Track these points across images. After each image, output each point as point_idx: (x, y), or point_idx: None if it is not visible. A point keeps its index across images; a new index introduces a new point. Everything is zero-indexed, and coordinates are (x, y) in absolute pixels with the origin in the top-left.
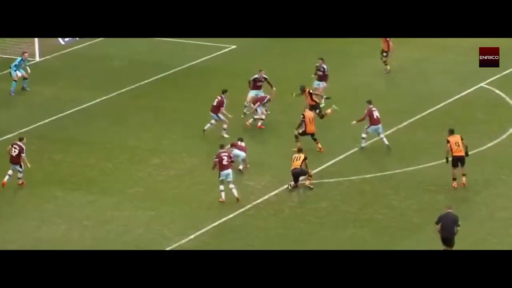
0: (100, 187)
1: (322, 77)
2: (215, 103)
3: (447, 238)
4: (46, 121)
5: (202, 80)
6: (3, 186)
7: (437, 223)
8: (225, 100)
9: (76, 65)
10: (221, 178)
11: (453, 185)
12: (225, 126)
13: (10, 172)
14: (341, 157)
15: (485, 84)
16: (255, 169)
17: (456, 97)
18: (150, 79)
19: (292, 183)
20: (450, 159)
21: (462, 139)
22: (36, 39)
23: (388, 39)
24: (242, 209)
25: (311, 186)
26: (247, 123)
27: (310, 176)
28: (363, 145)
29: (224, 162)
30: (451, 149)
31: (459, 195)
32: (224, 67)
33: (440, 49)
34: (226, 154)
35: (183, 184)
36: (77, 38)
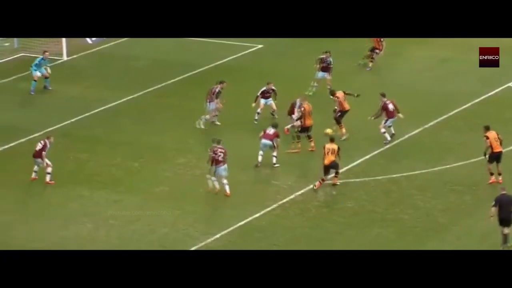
0: (126, 186)
1: (326, 68)
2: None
3: (506, 219)
4: (72, 120)
5: (228, 80)
6: (32, 181)
7: (494, 205)
8: (217, 90)
9: (102, 64)
10: (215, 172)
11: (491, 180)
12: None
13: (35, 168)
14: (367, 157)
15: None
16: (281, 168)
17: (483, 97)
18: (176, 79)
19: (318, 182)
20: (487, 155)
21: (498, 135)
22: (63, 39)
23: (381, 39)
24: (268, 209)
25: (338, 183)
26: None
27: (338, 173)
28: (388, 138)
29: (220, 158)
30: (491, 145)
31: (485, 194)
32: (251, 67)
33: (465, 49)
34: (223, 150)
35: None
36: (104, 38)
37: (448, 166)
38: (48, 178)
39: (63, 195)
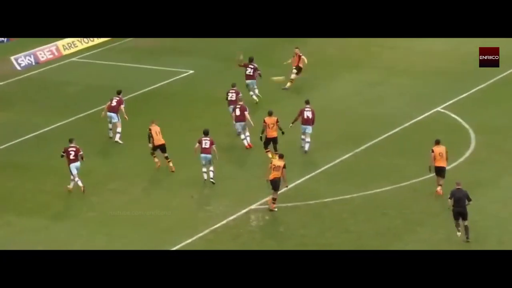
0: (55, 212)
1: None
2: (114, 103)
3: (461, 212)
4: (1, 146)
5: (159, 105)
6: None
7: (450, 197)
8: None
9: (31, 90)
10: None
11: (438, 190)
12: (119, 130)
13: None
14: (298, 181)
15: (441, 108)
16: (214, 193)
17: (413, 121)
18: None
19: (272, 203)
20: (432, 168)
21: (447, 151)
22: None
23: (301, 54)
24: (201, 234)
25: (275, 209)
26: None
27: (275, 199)
28: (306, 148)
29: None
30: (434, 159)
31: (416, 218)
32: (183, 91)
33: (394, 72)
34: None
35: (140, 208)
36: (33, 63)
37: (379, 190)
38: None
39: None
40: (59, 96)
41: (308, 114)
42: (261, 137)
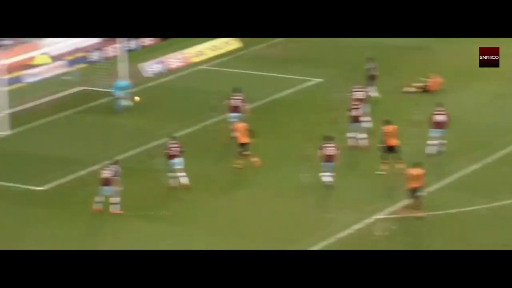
0: (184, 219)
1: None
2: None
3: None
4: (131, 152)
5: (285, 112)
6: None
7: None
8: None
9: (162, 97)
10: (171, 167)
11: None
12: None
13: (99, 198)
14: (427, 190)
15: None
16: (337, 200)
17: None
18: None
19: (406, 210)
20: None
21: None
22: (124, 74)
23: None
24: (324, 242)
25: (421, 216)
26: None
27: (413, 206)
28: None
29: (173, 153)
30: None
31: None
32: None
33: None
34: (176, 145)
35: (262, 214)
36: (163, 70)
37: (507, 202)
38: (114, 208)
39: (119, 226)
40: (187, 103)
41: (440, 117)
42: (380, 147)
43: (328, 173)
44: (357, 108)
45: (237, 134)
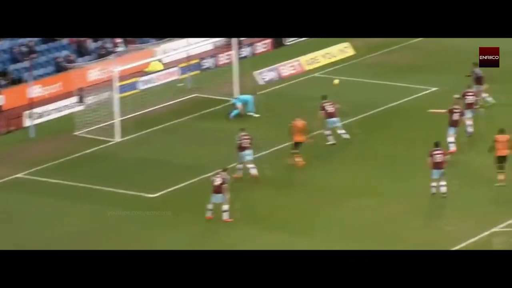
0: (298, 228)
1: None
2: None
3: None
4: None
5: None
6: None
7: None
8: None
9: (274, 104)
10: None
11: None
12: None
13: (210, 206)
14: None
15: None
16: (453, 212)
17: None
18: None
19: None
20: None
21: None
22: (236, 81)
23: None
24: None
25: None
26: None
27: None
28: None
29: (244, 144)
30: None
31: None
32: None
33: None
34: (247, 136)
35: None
36: (276, 78)
37: None
38: (226, 215)
39: (236, 235)
40: (300, 110)
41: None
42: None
43: (442, 182)
44: (458, 112)
45: (294, 132)
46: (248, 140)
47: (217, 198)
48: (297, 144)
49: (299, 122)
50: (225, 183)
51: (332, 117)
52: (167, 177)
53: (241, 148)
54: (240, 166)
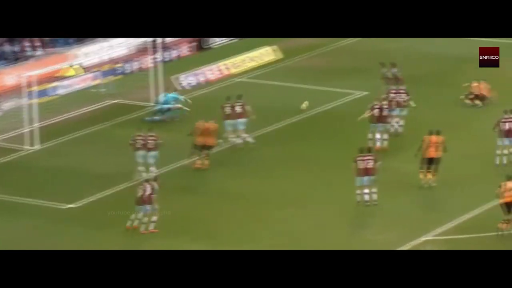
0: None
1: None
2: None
3: None
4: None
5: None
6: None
7: None
8: None
9: (197, 110)
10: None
11: None
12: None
13: (134, 216)
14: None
15: None
16: (380, 221)
17: None
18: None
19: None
20: None
21: None
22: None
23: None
24: None
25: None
26: None
27: (508, 220)
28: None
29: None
30: None
31: None
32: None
33: None
34: (153, 137)
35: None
36: (200, 83)
37: None
38: (152, 226)
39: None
40: (218, 114)
41: (509, 125)
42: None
43: (373, 189)
44: (379, 109)
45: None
46: (154, 141)
47: (145, 208)
48: (205, 147)
49: (212, 125)
50: (154, 193)
51: (232, 119)
52: (86, 187)
53: (148, 149)
54: (142, 168)
